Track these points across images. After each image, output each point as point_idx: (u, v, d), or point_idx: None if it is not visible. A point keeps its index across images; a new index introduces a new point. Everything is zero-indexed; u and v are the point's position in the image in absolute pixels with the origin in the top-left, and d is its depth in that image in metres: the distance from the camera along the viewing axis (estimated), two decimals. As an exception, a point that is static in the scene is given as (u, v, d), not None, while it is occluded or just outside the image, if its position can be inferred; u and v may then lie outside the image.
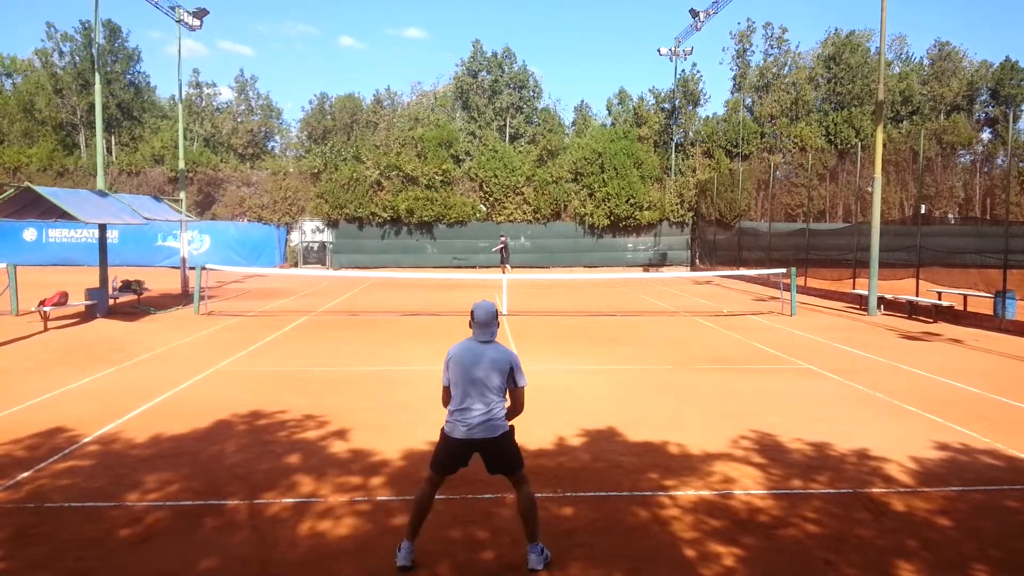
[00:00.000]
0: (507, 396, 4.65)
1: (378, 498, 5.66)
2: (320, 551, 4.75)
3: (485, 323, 4.64)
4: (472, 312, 4.68)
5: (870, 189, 19.09)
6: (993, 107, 50.67)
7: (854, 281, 20.94)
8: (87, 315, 16.21)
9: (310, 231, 38.17)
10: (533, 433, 7.37)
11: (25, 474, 6.12)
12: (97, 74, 19.41)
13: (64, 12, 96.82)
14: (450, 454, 4.59)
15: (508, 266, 31.23)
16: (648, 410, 8.42)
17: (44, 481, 5.98)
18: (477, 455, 4.62)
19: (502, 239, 32.57)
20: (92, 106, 27.22)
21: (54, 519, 5.21)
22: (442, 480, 4.68)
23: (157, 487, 5.85)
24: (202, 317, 16.77)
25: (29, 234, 35.42)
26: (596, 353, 12.30)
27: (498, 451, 4.57)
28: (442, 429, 4.67)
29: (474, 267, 36.02)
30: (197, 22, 26.23)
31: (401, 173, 37.30)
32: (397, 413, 8.19)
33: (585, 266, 37.60)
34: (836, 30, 48.46)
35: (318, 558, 4.65)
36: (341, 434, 7.34)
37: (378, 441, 7.08)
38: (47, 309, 14.59)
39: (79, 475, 6.13)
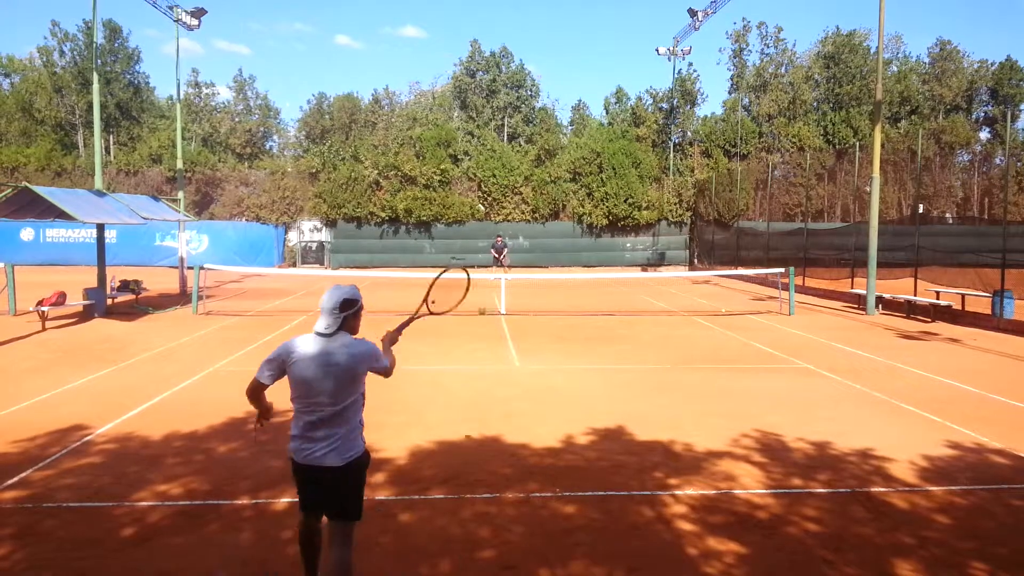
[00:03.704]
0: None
1: (377, 497, 5.66)
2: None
3: (328, 310, 3.75)
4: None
5: (868, 189, 19.12)
6: (992, 107, 50.71)
7: (852, 281, 20.96)
8: (85, 315, 16.18)
9: (308, 231, 38.16)
10: (534, 432, 7.38)
11: (25, 473, 6.11)
12: (96, 73, 19.36)
13: (61, 11, 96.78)
14: (303, 484, 3.79)
15: (504, 266, 31.18)
16: (647, 409, 8.42)
17: (44, 480, 5.97)
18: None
19: (499, 240, 32.50)
20: (91, 105, 27.15)
21: (54, 518, 5.20)
22: (319, 518, 3.86)
23: (158, 486, 5.85)
24: (200, 317, 16.76)
25: (27, 234, 35.36)
26: (595, 352, 12.30)
27: (339, 482, 3.69)
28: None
29: (472, 267, 35.98)
30: (195, 22, 26.17)
31: (399, 173, 37.29)
32: (395, 412, 8.19)
33: (583, 266, 37.61)
34: (836, 28, 48.49)
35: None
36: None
37: (377, 440, 7.08)
38: (45, 309, 14.56)
39: (79, 474, 6.12)
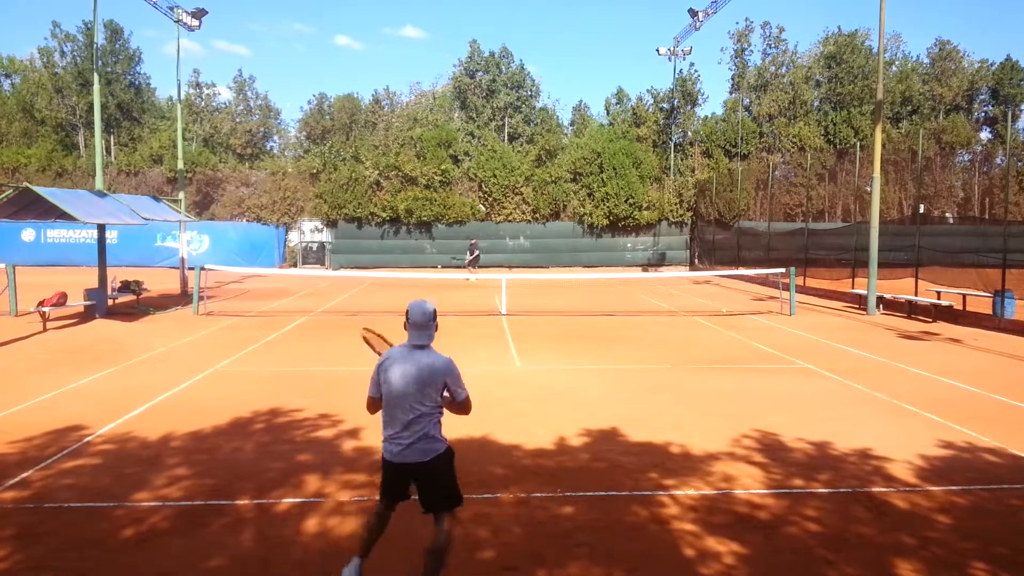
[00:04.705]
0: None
1: (376, 497, 5.65)
2: (322, 550, 4.75)
3: (421, 325, 4.13)
4: (407, 312, 4.18)
5: (869, 189, 19.11)
6: (993, 106, 50.68)
7: (853, 281, 20.95)
8: (86, 315, 16.20)
9: (309, 231, 38.18)
10: (533, 433, 7.38)
11: (26, 474, 6.12)
12: (96, 74, 19.39)
13: (61, 12, 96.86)
14: (389, 477, 4.22)
15: (473, 269, 30.05)
16: (647, 410, 8.42)
17: (45, 481, 5.98)
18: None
19: (472, 244, 31.79)
20: (92, 106, 27.14)
21: (55, 519, 5.21)
22: (391, 506, 4.33)
23: (159, 487, 5.85)
24: (201, 317, 16.77)
25: (28, 234, 35.40)
26: (595, 353, 12.30)
27: (432, 477, 4.11)
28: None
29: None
30: (196, 22, 26.21)
31: (400, 173, 37.30)
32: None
33: (584, 266, 37.61)
34: (838, 28, 48.46)
35: (319, 557, 4.65)
36: (342, 433, 7.34)
37: (376, 440, 7.07)
38: (46, 310, 14.58)
39: (80, 475, 6.12)
